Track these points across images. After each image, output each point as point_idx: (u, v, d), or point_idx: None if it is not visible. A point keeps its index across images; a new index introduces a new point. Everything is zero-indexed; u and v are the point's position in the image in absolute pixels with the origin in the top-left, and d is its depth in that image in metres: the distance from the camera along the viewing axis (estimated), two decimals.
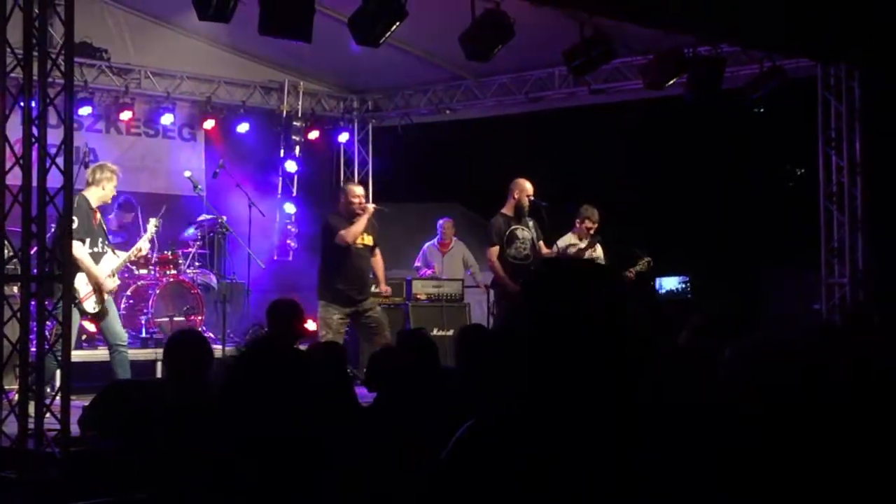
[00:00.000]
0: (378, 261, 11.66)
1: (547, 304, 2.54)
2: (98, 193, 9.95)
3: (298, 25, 8.86)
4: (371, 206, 11.23)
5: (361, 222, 11.09)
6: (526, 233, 11.57)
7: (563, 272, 2.63)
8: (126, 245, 11.23)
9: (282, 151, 15.23)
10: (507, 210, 11.56)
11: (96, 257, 9.98)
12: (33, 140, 7.28)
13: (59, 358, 7.58)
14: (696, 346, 5.06)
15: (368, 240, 11.33)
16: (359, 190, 11.41)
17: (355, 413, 6.51)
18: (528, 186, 11.54)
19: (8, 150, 7.49)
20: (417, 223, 16.12)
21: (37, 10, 7.33)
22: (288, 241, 15.18)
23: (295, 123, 15.11)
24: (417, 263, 15.01)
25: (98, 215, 10.11)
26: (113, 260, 10.20)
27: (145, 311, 12.19)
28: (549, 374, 2.50)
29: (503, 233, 11.49)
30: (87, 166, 12.09)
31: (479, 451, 2.53)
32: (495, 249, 11.44)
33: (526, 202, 11.51)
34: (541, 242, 11.69)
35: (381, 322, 11.21)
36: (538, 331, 2.53)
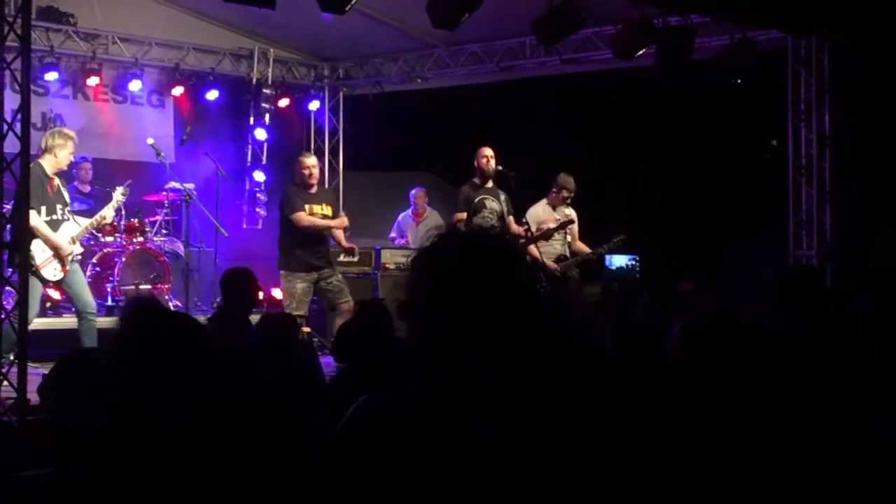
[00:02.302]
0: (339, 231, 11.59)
1: (433, 276, 2.52)
2: (52, 161, 9.80)
3: None
4: (342, 220, 11.37)
5: (322, 222, 11.11)
6: (495, 204, 11.54)
7: (448, 243, 2.60)
8: (92, 212, 11.14)
9: (251, 119, 15.16)
10: (476, 179, 11.57)
11: (55, 225, 9.86)
12: None
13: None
14: (649, 322, 5.06)
15: (327, 209, 11.28)
16: (310, 161, 11.32)
17: (315, 383, 6.47)
18: (485, 151, 11.55)
19: None
20: (389, 192, 16.10)
21: None
22: (257, 210, 15.13)
23: (265, 91, 15.01)
24: (392, 234, 14.99)
25: (56, 182, 9.96)
26: (73, 227, 10.09)
27: (111, 278, 12.12)
28: (435, 345, 2.48)
29: (471, 200, 11.49)
30: None
31: (373, 424, 2.50)
32: (461, 216, 11.46)
33: (486, 167, 11.46)
34: (510, 217, 11.65)
35: (342, 288, 11.14)
36: (423, 301, 2.50)
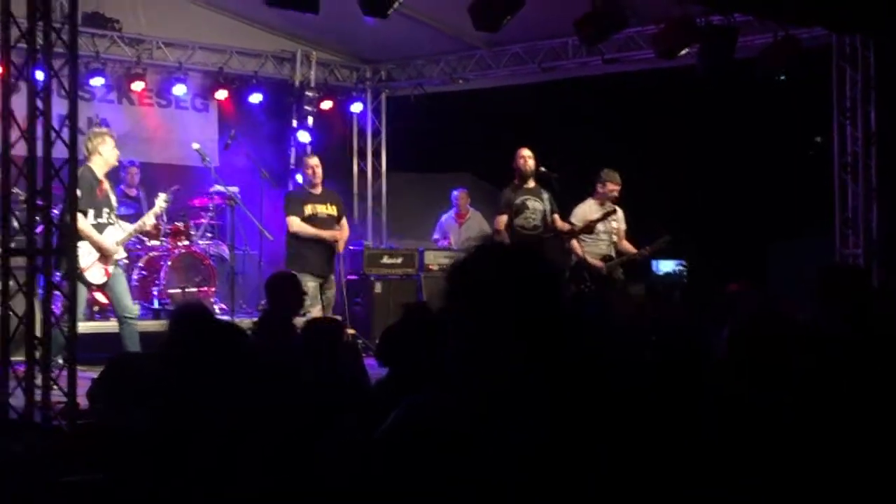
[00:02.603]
0: (344, 230, 11.73)
1: (470, 284, 2.54)
2: (100, 161, 9.87)
3: None
4: (334, 233, 11.47)
5: (312, 231, 11.29)
6: (538, 204, 11.57)
7: (486, 254, 2.62)
8: (137, 216, 11.23)
9: (294, 122, 15.21)
10: (516, 180, 11.63)
11: (100, 228, 9.92)
12: (38, 113, 7.27)
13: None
14: (693, 325, 5.06)
15: (332, 209, 11.51)
16: (312, 161, 11.70)
17: (359, 386, 6.49)
18: (522, 152, 11.61)
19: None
20: (430, 193, 16.10)
21: None
22: None
23: (308, 93, 15.07)
24: (435, 236, 15.00)
25: (105, 185, 10.04)
26: (118, 231, 10.16)
27: (157, 282, 12.20)
28: (474, 352, 2.50)
29: (512, 202, 11.54)
30: None
31: (416, 428, 2.53)
32: (502, 218, 11.52)
33: (524, 167, 11.51)
34: (555, 216, 11.67)
35: (329, 304, 11.37)
36: (462, 311, 2.53)
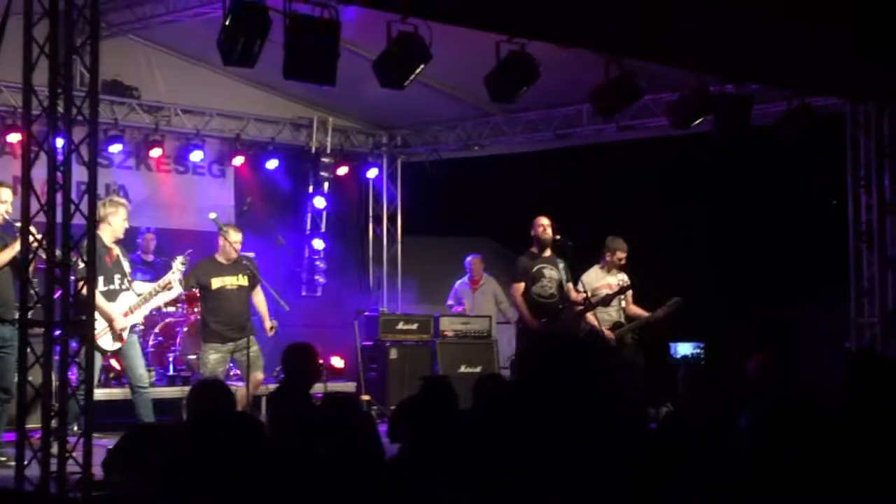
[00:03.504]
0: (259, 298, 11.43)
1: (529, 384, 2.63)
2: (108, 230, 9.91)
3: (322, 69, 8.89)
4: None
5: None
6: (553, 273, 11.62)
7: (543, 350, 2.71)
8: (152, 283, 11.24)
9: (311, 187, 15.30)
10: (534, 248, 11.67)
11: (112, 295, 9.94)
12: (57, 186, 7.32)
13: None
14: (709, 412, 5.06)
15: (243, 280, 11.21)
16: (236, 235, 11.28)
17: (376, 460, 6.47)
18: (541, 220, 11.66)
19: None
20: (447, 259, 16.14)
21: (62, 58, 7.38)
22: (316, 277, 15.24)
23: (324, 159, 15.17)
24: (450, 301, 15.02)
25: (115, 252, 10.07)
26: (132, 297, 10.15)
27: (173, 348, 12.23)
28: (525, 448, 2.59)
29: (529, 270, 11.59)
30: None
31: None
32: (519, 286, 11.58)
33: (543, 236, 11.57)
34: (569, 284, 11.70)
35: (254, 361, 10.92)
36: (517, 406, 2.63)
